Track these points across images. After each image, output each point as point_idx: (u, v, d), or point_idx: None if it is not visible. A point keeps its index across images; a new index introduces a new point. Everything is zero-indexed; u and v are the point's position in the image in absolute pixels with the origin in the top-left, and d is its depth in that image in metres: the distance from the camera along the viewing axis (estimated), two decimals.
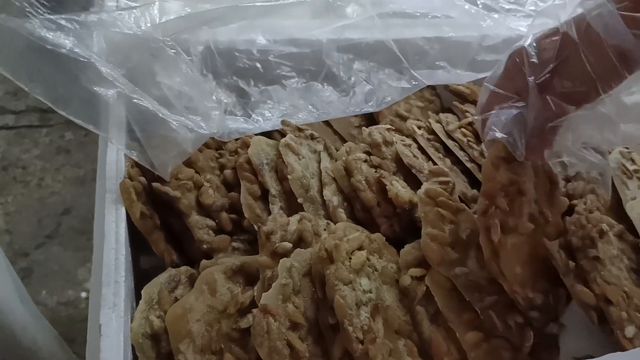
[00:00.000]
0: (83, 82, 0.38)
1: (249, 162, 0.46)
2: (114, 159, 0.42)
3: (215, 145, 0.50)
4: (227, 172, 0.47)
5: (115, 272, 0.35)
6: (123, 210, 0.39)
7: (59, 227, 1.45)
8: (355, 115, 0.60)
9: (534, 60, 0.36)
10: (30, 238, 1.45)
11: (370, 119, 0.59)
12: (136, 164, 0.43)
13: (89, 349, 0.35)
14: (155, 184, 0.42)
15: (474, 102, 0.59)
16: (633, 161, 0.53)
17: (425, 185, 0.43)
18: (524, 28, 0.62)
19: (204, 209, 0.44)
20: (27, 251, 1.44)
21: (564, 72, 0.35)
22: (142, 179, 0.42)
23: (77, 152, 1.58)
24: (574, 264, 0.42)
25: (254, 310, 0.35)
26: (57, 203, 1.49)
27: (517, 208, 0.42)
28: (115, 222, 0.38)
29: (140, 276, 0.42)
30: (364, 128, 0.52)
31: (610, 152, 0.53)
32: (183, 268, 0.41)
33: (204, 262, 0.41)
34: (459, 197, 0.46)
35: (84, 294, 1.32)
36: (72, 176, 1.51)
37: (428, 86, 0.64)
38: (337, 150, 0.52)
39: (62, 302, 1.32)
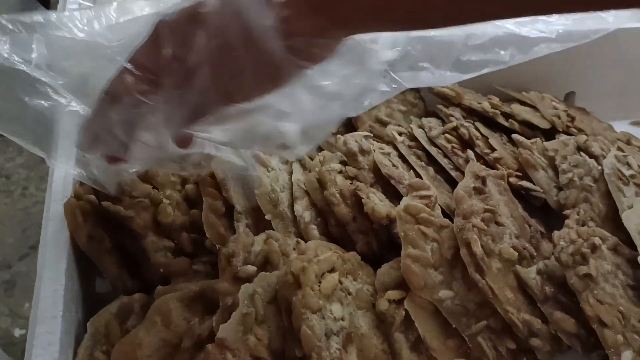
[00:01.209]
0: (19, 93, 0.34)
1: (212, 175, 0.43)
2: (62, 175, 0.38)
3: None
4: (189, 186, 0.43)
5: (52, 307, 0.31)
6: (66, 233, 0.35)
7: None
8: None
9: None
10: (13, 249, 1.42)
11: (349, 125, 0.55)
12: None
13: None
14: (105, 203, 0.38)
15: (459, 105, 0.56)
16: (629, 165, 0.49)
17: (404, 201, 0.39)
18: (511, 25, 0.58)
19: (162, 229, 0.40)
20: (11, 263, 1.41)
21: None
22: (92, 197, 0.38)
23: None
24: (552, 289, 0.39)
25: (209, 346, 0.31)
26: (42, 213, 1.45)
27: (494, 232, 0.39)
28: (56, 249, 0.34)
29: (95, 303, 0.39)
30: (338, 136, 0.48)
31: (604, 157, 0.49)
32: (137, 295, 0.37)
33: (159, 288, 0.37)
34: (442, 209, 0.42)
35: None
36: None
37: (411, 89, 0.60)
38: (312, 160, 0.48)
39: None
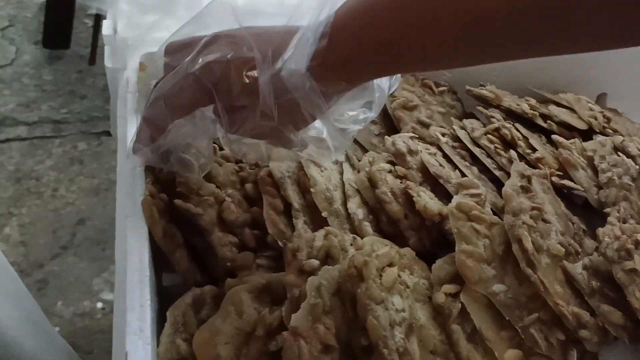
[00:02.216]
0: None
1: (270, 175, 0.45)
2: (131, 174, 0.41)
3: (235, 158, 0.48)
4: (249, 185, 0.46)
5: (140, 296, 0.34)
6: (145, 229, 0.38)
7: (74, 238, 1.45)
8: (375, 123, 0.59)
9: None
10: (45, 249, 1.45)
11: (391, 127, 0.58)
12: (156, 181, 0.41)
13: None
14: (177, 201, 0.40)
15: (498, 107, 0.58)
16: None
17: (455, 199, 0.42)
18: None
19: (226, 225, 0.43)
20: (43, 262, 1.45)
21: None
22: (163, 195, 0.41)
23: (90, 162, 1.57)
24: (598, 284, 0.41)
25: (285, 333, 0.34)
26: (72, 213, 1.49)
27: (542, 228, 0.41)
28: (138, 242, 0.37)
29: (162, 295, 0.41)
30: (386, 137, 0.50)
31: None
32: (207, 287, 0.40)
33: (229, 280, 0.39)
34: (490, 208, 0.44)
35: (99, 305, 1.31)
36: (86, 186, 1.51)
37: (449, 91, 0.63)
38: (359, 161, 0.50)
39: (78, 313, 1.32)
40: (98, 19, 1.85)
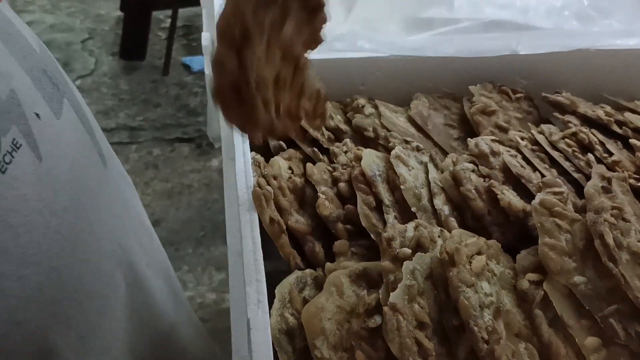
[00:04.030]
0: None
1: (362, 174, 0.49)
2: (242, 169, 0.46)
3: (329, 158, 0.53)
4: (341, 185, 0.50)
5: (255, 272, 0.38)
6: (255, 216, 0.43)
7: None
8: (454, 127, 0.62)
9: None
10: None
11: (469, 132, 0.61)
12: (262, 174, 0.46)
13: (234, 342, 0.39)
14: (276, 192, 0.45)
15: (574, 113, 0.60)
16: None
17: (539, 196, 0.44)
18: None
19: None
20: None
21: None
22: (269, 187, 0.45)
23: (164, 167, 1.66)
24: None
25: (385, 308, 0.37)
26: (147, 215, 1.57)
27: (622, 227, 0.43)
28: (251, 227, 0.41)
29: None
30: (469, 139, 0.54)
31: None
32: (308, 271, 0.44)
33: (328, 264, 0.43)
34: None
35: None
36: (161, 190, 1.59)
37: (525, 97, 0.65)
38: (442, 162, 0.54)
39: None
40: (172, 32, 1.95)
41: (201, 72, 1.94)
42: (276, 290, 0.41)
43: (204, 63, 0.66)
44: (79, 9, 2.35)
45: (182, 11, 2.01)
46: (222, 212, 0.50)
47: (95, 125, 0.48)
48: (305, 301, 0.41)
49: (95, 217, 0.42)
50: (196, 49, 2.13)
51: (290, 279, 0.43)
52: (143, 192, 1.63)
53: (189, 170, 1.66)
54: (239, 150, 0.48)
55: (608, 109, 0.61)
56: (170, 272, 0.60)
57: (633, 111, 0.62)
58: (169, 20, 1.99)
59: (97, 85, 1.97)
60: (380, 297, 0.40)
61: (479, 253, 0.41)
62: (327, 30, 0.60)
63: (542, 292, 0.41)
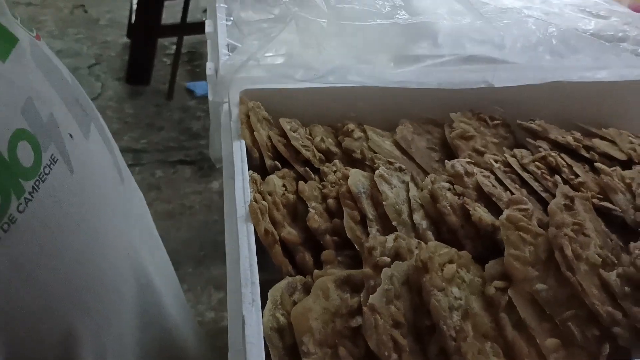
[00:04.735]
0: None
1: (349, 191, 0.54)
2: (241, 186, 0.51)
3: (319, 176, 0.58)
4: (330, 201, 0.55)
5: (251, 275, 0.43)
6: (252, 227, 0.48)
7: None
8: (435, 151, 0.68)
9: None
10: None
11: (450, 155, 0.66)
12: (258, 191, 0.51)
13: (231, 337, 0.43)
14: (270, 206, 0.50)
15: (545, 139, 0.65)
16: None
17: (506, 212, 0.49)
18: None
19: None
20: None
21: None
22: (264, 202, 0.51)
23: (166, 188, 1.72)
24: (629, 289, 0.47)
25: (364, 308, 0.42)
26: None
27: (582, 241, 0.48)
28: (247, 236, 0.46)
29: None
30: (446, 161, 0.59)
31: None
32: (298, 277, 0.49)
33: (316, 271, 0.48)
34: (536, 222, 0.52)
35: None
36: (163, 211, 1.64)
37: (502, 124, 0.71)
38: (422, 182, 0.59)
39: None
40: (177, 58, 2.03)
41: (204, 97, 2.00)
42: (269, 293, 0.46)
43: (207, 88, 0.72)
44: (86, 35, 2.43)
45: (186, 38, 2.09)
46: (222, 233, 0.55)
47: (115, 146, 0.55)
48: (295, 303, 0.46)
49: (113, 225, 0.48)
50: (199, 75, 2.20)
51: (282, 284, 0.47)
52: None
53: (190, 192, 1.71)
54: (238, 169, 0.53)
55: (578, 135, 0.66)
56: (174, 278, 0.65)
57: (602, 137, 0.67)
58: (174, 47, 2.07)
59: (102, 109, 2.03)
60: (362, 299, 0.45)
61: (451, 262, 0.46)
62: (321, 64, 0.67)
63: (507, 297, 0.46)
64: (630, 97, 0.66)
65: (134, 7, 2.06)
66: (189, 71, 2.25)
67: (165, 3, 2.02)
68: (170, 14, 2.11)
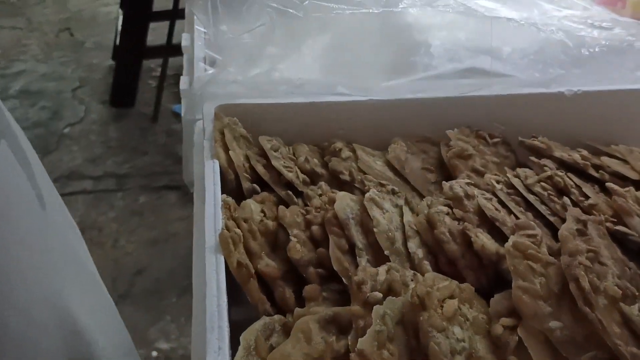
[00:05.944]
0: None
1: (335, 216, 0.48)
2: (212, 212, 0.45)
3: (302, 201, 0.52)
4: (315, 228, 0.49)
5: (218, 318, 0.37)
6: (222, 259, 0.41)
7: (132, 287, 1.50)
8: (431, 172, 0.62)
9: None
10: None
11: (447, 176, 0.60)
12: (232, 217, 0.45)
13: None
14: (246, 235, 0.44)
15: (550, 157, 0.60)
16: None
17: (512, 238, 0.44)
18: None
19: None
20: None
21: None
22: (238, 230, 0.45)
23: (150, 214, 1.65)
24: None
25: (352, 355, 0.36)
26: (131, 264, 1.55)
27: (598, 270, 0.43)
28: (216, 271, 0.40)
29: (231, 327, 0.44)
30: (444, 182, 0.53)
31: None
32: (277, 317, 0.42)
33: (297, 310, 0.42)
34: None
35: (154, 353, 1.34)
36: (146, 238, 1.58)
37: (502, 142, 0.65)
38: (418, 206, 0.53)
39: None
40: (162, 80, 1.98)
41: None
42: (241, 338, 0.39)
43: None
44: (71, 58, 2.38)
45: (172, 60, 2.04)
46: None
47: (41, 169, 0.47)
48: (272, 348, 0.40)
49: (28, 260, 0.41)
50: None
51: (257, 325, 0.41)
52: (127, 240, 1.61)
53: (175, 219, 1.65)
54: (209, 192, 0.47)
55: (585, 153, 0.61)
56: (118, 322, 0.57)
57: (610, 155, 0.62)
58: (159, 69, 2.02)
59: (86, 133, 1.98)
60: (350, 343, 0.39)
61: (452, 297, 0.40)
62: (307, 76, 0.61)
63: (517, 337, 0.40)
64: (639, 109, 0.61)
65: (119, 28, 2.02)
66: (175, 94, 2.19)
67: (151, 25, 1.98)
68: (156, 36, 2.07)
